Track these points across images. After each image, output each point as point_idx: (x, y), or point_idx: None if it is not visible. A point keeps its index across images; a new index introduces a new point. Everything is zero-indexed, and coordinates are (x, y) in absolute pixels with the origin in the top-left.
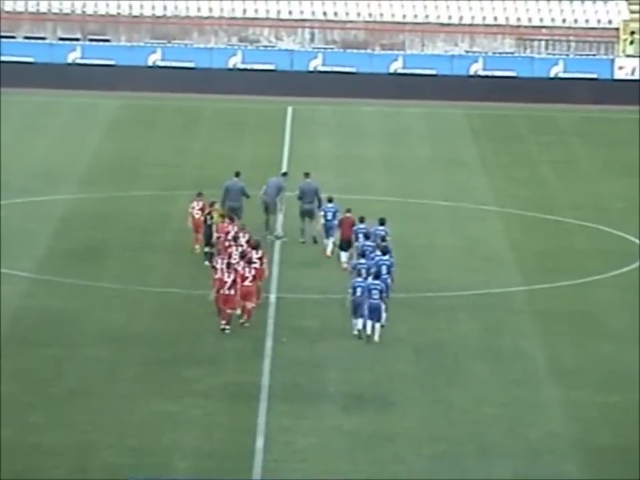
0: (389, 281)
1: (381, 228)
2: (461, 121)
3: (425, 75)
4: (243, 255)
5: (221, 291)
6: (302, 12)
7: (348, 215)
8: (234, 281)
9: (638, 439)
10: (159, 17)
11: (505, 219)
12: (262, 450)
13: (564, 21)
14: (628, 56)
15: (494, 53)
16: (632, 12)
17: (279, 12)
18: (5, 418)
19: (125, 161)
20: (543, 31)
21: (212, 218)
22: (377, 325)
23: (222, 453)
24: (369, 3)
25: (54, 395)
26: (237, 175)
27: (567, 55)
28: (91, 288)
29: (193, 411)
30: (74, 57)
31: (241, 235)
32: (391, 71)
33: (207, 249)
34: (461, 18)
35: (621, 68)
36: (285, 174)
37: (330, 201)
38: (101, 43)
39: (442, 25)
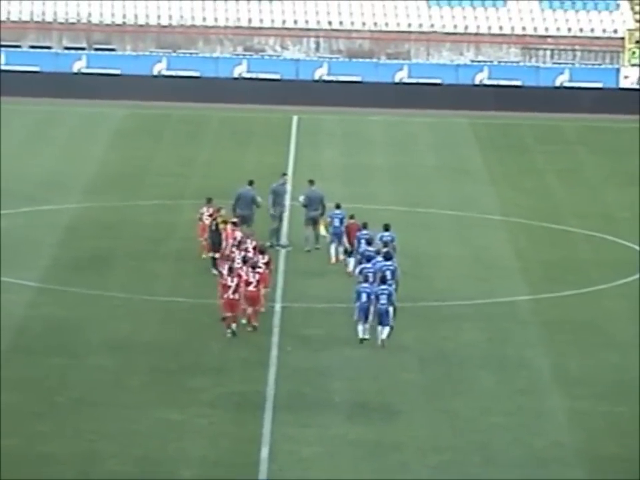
0: (394, 286)
1: (387, 234)
2: (467, 130)
3: (431, 84)
4: (245, 260)
5: (225, 296)
6: (307, 21)
7: (352, 220)
8: (237, 285)
9: None
10: (164, 26)
11: (510, 228)
12: (267, 459)
13: (569, 30)
14: (633, 65)
15: (499, 62)
16: (637, 21)
17: (284, 21)
18: (10, 427)
19: (130, 170)
20: (549, 40)
21: (217, 224)
22: (387, 328)
23: (227, 462)
24: (375, 12)
25: (59, 404)
26: (251, 183)
27: (573, 64)
28: (97, 297)
29: (198, 420)
30: (79, 66)
31: (248, 241)
32: (397, 80)
33: (213, 255)
34: (466, 27)
35: (626, 77)
36: (284, 174)
37: (338, 207)
38: (107, 52)
39: (447, 34)
